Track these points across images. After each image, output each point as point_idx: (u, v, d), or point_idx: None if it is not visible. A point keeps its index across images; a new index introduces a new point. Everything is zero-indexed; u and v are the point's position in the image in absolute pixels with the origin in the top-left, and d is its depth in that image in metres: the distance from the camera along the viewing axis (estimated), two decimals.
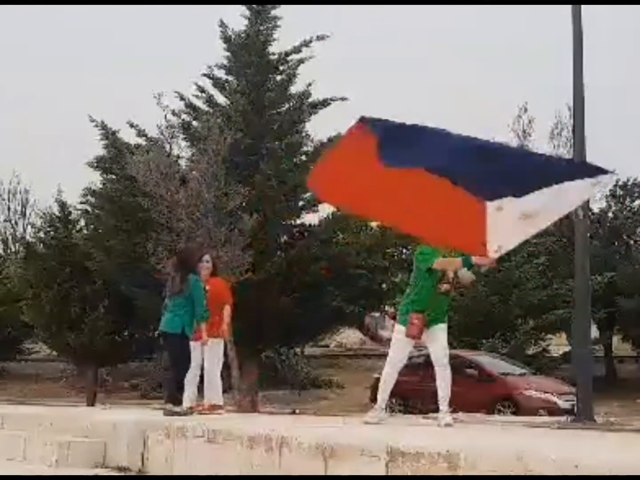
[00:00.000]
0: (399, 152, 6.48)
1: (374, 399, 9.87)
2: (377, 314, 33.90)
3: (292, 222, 20.52)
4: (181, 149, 19.18)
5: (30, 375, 31.76)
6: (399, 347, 7.87)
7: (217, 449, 6.69)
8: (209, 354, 9.60)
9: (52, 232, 22.64)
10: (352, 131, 6.55)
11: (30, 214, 42.17)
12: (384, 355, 11.43)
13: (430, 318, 7.84)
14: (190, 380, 9.38)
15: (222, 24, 20.41)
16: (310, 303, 18.66)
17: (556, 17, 29.54)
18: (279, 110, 20.13)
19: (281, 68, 20.39)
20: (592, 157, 9.97)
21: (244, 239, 16.78)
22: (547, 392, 17.06)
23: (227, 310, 9.95)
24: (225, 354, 10.63)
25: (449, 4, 50.36)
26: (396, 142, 6.53)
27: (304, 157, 20.20)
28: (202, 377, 9.77)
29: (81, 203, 21.76)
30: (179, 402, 8.73)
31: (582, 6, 10.24)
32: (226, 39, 20.33)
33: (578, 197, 6.36)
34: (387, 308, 30.01)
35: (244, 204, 18.01)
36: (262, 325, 18.30)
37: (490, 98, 56.56)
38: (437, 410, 8.14)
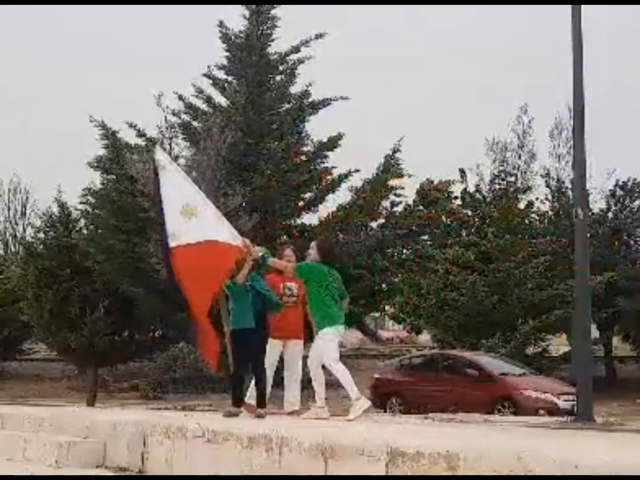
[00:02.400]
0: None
1: (374, 400, 9.93)
2: (377, 314, 33.93)
3: (292, 222, 20.54)
4: (181, 149, 19.21)
5: (30, 376, 31.74)
6: None
7: (217, 449, 6.69)
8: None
9: (52, 233, 22.64)
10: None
11: (30, 214, 42.22)
12: (383, 355, 11.39)
13: None
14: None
15: (222, 25, 20.44)
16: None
17: (556, 17, 29.53)
18: (278, 110, 20.15)
19: (281, 68, 20.41)
20: (592, 157, 9.97)
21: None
22: (547, 392, 17.05)
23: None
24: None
25: (449, 4, 50.38)
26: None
27: (304, 157, 20.21)
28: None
29: (81, 203, 21.80)
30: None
31: (582, 6, 10.24)
32: (226, 39, 20.35)
33: None
34: (387, 308, 30.05)
35: (244, 204, 18.02)
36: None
37: (490, 98, 56.59)
38: (437, 410, 8.16)
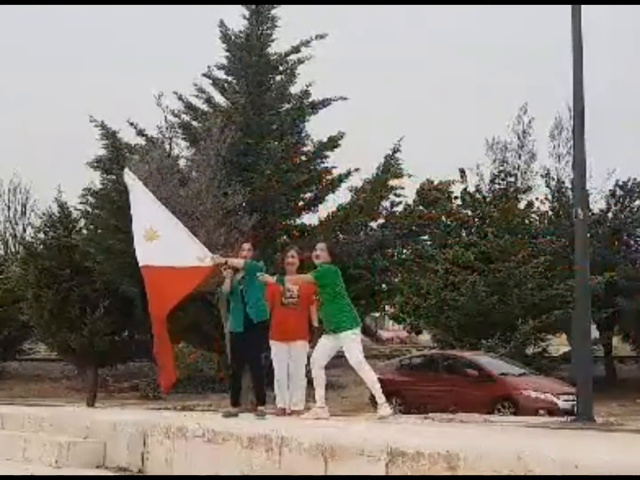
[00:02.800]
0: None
1: (373, 400, 9.93)
2: (377, 314, 33.92)
3: (292, 222, 20.53)
4: (181, 149, 19.19)
5: (30, 376, 31.75)
6: None
7: (217, 449, 6.69)
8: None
9: (52, 233, 22.63)
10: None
11: (30, 214, 42.21)
12: (383, 355, 11.40)
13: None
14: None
15: (222, 25, 20.42)
16: None
17: (556, 17, 29.53)
18: (278, 110, 20.13)
19: (281, 68, 20.40)
20: (592, 157, 9.97)
21: (243, 240, 16.77)
22: (547, 392, 17.05)
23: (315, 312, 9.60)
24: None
25: (449, 4, 50.39)
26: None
27: (303, 157, 20.21)
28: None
29: (81, 203, 21.77)
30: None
31: (582, 6, 10.23)
32: (226, 40, 20.35)
33: None
34: (386, 308, 30.04)
35: (243, 204, 18.01)
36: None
37: (490, 98, 56.58)
38: (437, 410, 8.16)
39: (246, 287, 8.78)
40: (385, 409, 8.36)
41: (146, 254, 9.09)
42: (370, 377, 8.62)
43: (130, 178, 9.56)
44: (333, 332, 8.63)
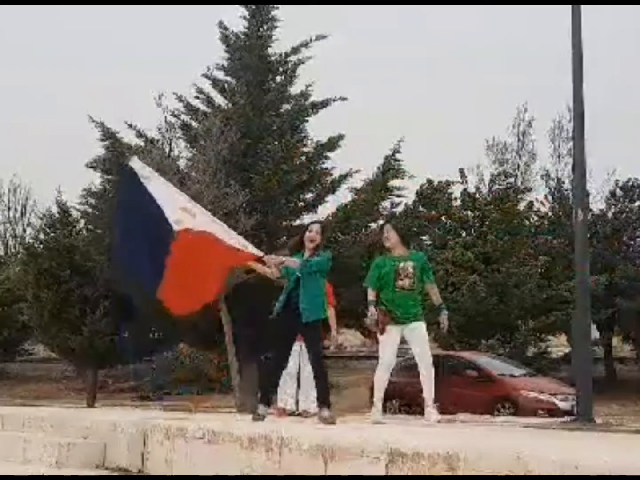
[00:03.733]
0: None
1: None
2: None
3: (292, 222, 20.54)
4: (181, 149, 19.19)
5: (30, 377, 31.78)
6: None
7: (217, 450, 6.69)
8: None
9: (52, 233, 22.65)
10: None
11: (30, 215, 42.25)
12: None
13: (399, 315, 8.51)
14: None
15: (222, 25, 20.43)
16: None
17: (556, 17, 29.55)
18: (278, 111, 20.14)
19: (281, 69, 20.41)
20: (593, 157, 9.98)
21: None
22: (546, 393, 17.05)
23: (332, 314, 9.23)
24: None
25: (449, 4, 50.40)
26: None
27: (304, 158, 20.21)
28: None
29: (81, 204, 21.78)
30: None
31: (582, 6, 10.24)
32: (225, 40, 20.35)
33: None
34: None
35: (244, 204, 18.02)
36: (262, 326, 18.31)
37: (490, 98, 56.59)
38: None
39: (304, 281, 7.78)
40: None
41: (186, 220, 8.10)
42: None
43: (142, 166, 8.67)
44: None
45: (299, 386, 9.70)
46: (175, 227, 8.09)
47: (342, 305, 20.20)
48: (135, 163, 8.63)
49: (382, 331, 8.51)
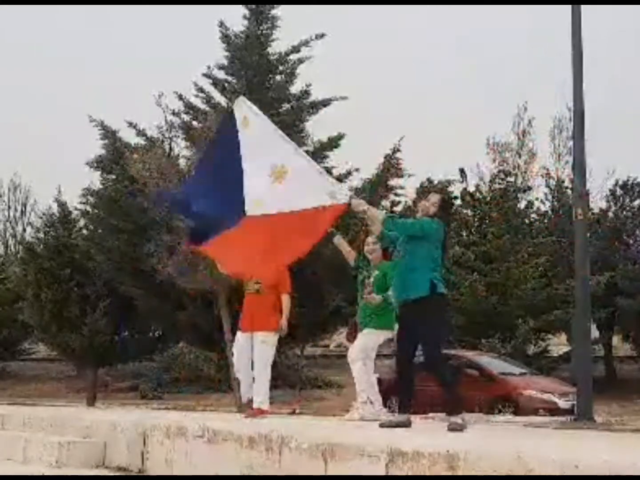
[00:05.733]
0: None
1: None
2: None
3: None
4: (181, 148, 19.20)
5: (30, 376, 31.77)
6: None
7: (217, 449, 6.69)
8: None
9: (52, 233, 22.66)
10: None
11: (30, 214, 42.25)
12: (382, 356, 11.42)
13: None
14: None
15: (222, 25, 20.44)
16: (310, 303, 18.65)
17: (556, 17, 29.56)
18: (278, 110, 20.13)
19: (281, 68, 20.41)
20: (593, 157, 9.98)
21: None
22: (547, 392, 17.04)
23: (285, 300, 8.87)
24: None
25: (449, 4, 50.38)
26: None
27: None
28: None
29: (81, 203, 21.80)
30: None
31: (582, 6, 10.23)
32: (226, 40, 20.35)
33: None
34: None
35: None
36: None
37: (490, 98, 56.60)
38: (436, 410, 8.15)
39: (404, 252, 7.07)
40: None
41: (266, 199, 7.50)
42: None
43: (244, 109, 7.85)
44: None
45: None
46: (247, 209, 7.58)
47: (340, 305, 20.26)
48: (240, 106, 7.92)
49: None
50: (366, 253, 8.90)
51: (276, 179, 7.52)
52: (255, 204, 7.58)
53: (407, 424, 6.83)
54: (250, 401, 8.71)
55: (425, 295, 6.92)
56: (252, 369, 8.74)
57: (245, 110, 7.88)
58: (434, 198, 7.20)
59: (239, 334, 8.95)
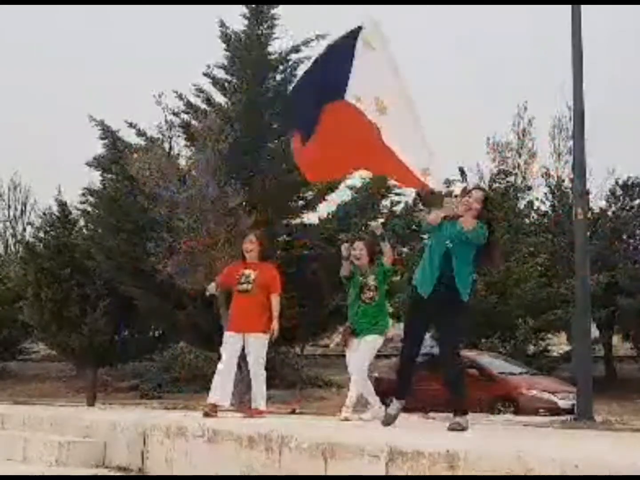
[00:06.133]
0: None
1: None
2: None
3: (292, 221, 20.51)
4: (181, 148, 19.18)
5: (30, 376, 31.77)
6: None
7: (217, 449, 6.69)
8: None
9: (52, 232, 22.65)
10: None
11: (30, 214, 42.25)
12: (382, 356, 11.41)
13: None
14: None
15: (222, 24, 20.40)
16: (310, 302, 18.64)
17: (556, 17, 29.53)
18: (279, 110, 20.11)
19: (281, 67, 20.38)
20: (593, 156, 9.98)
21: (243, 239, 16.76)
22: (547, 392, 17.05)
23: (275, 301, 9.06)
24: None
25: (449, 4, 50.36)
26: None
27: None
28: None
29: (81, 203, 21.77)
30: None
31: (582, 6, 10.24)
32: (226, 39, 20.32)
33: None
34: (387, 307, 30.02)
35: (243, 203, 18.00)
36: None
37: (490, 98, 56.57)
38: (437, 410, 8.15)
39: (455, 254, 6.89)
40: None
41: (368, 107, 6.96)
42: None
43: (380, 36, 7.45)
44: None
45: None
46: (348, 97, 7.06)
47: (340, 305, 20.21)
48: (369, 29, 7.52)
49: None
50: (352, 258, 8.96)
51: (380, 108, 7.08)
52: (355, 99, 7.05)
53: (395, 414, 7.14)
54: (215, 406, 8.65)
55: (466, 300, 6.98)
56: (238, 369, 8.88)
57: (375, 37, 7.45)
58: (477, 194, 7.30)
59: (227, 334, 8.96)
